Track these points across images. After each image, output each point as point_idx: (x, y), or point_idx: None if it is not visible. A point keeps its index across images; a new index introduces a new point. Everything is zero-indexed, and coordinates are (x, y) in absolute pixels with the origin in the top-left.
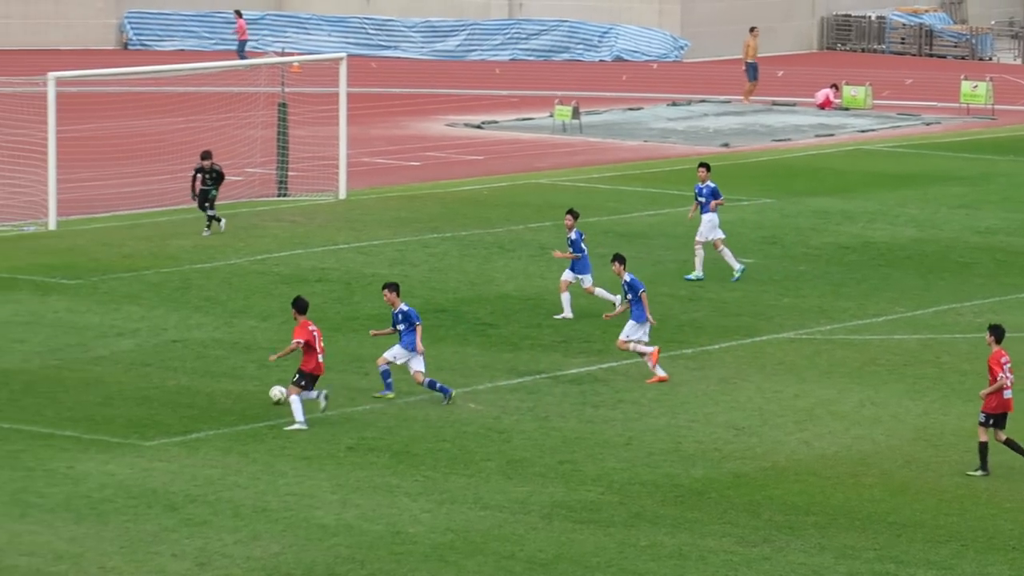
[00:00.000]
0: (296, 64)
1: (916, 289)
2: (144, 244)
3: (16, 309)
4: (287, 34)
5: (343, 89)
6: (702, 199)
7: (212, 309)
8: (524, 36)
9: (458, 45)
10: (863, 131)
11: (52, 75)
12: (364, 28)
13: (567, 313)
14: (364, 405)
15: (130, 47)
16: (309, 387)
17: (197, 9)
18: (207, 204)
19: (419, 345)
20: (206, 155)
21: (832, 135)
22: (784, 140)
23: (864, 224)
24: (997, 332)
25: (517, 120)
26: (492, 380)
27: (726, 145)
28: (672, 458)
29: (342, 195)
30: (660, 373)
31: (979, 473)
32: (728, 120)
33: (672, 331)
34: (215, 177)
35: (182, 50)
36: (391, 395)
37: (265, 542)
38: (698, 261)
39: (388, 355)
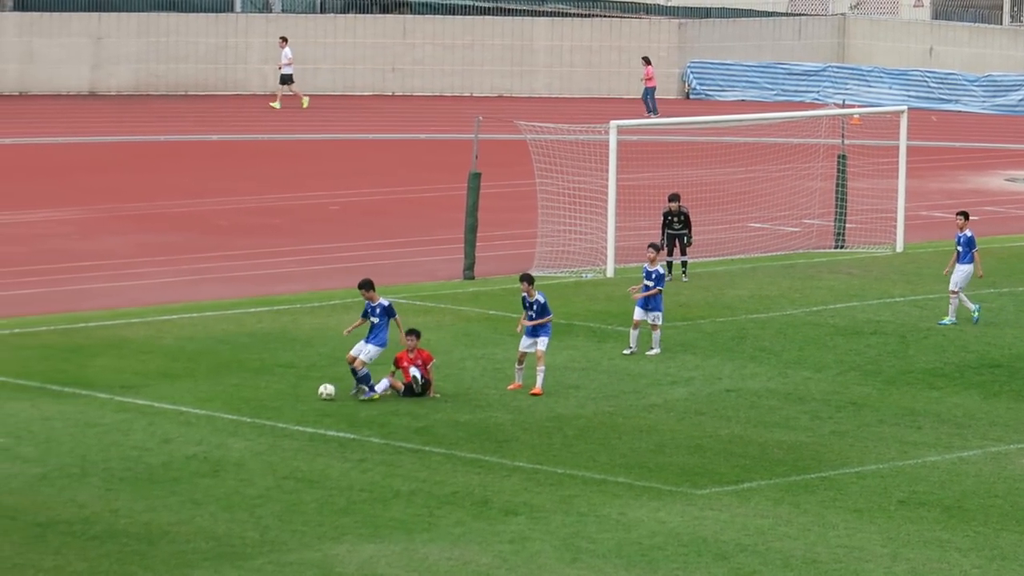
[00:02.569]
0: (856, 116)
1: None
2: (701, 293)
3: (573, 355)
4: (848, 86)
5: (903, 142)
6: (960, 248)
7: (766, 359)
8: None
9: (1020, 100)
10: None
11: (614, 123)
12: (925, 81)
13: None
14: (915, 459)
15: (692, 96)
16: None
17: (759, 60)
18: (682, 250)
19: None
20: (674, 197)
21: None
22: None
23: None
24: None
25: None
26: None
27: None
28: None
29: (899, 248)
30: None
31: None
32: None
33: None
34: (683, 220)
35: (743, 100)
36: (376, 396)
37: None
38: (951, 308)
39: (364, 356)
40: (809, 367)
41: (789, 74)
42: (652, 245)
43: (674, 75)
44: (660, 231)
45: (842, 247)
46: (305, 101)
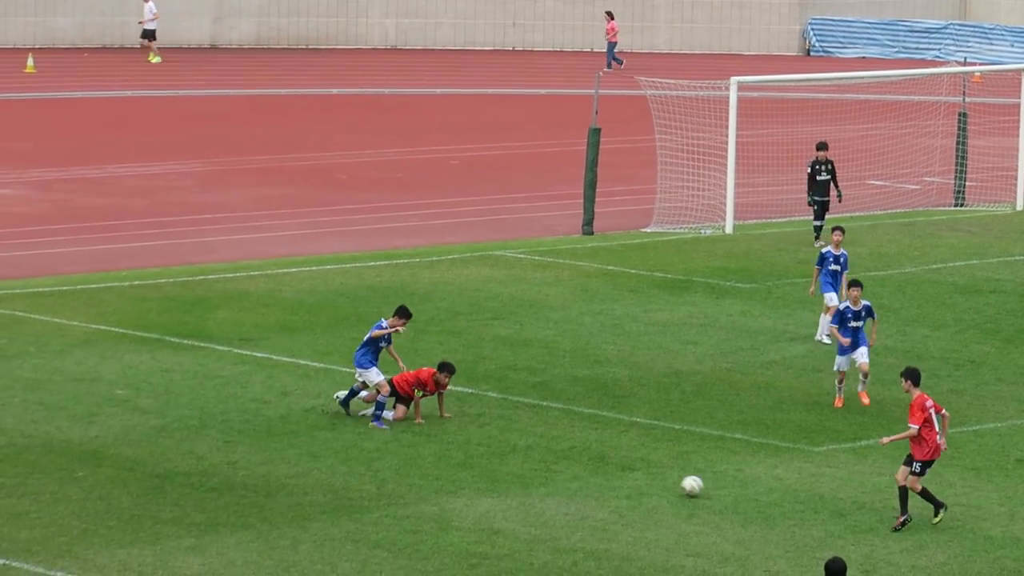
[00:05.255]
0: (978, 74)
1: None
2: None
3: (691, 311)
4: (970, 44)
5: None
6: None
7: (886, 317)
8: None
9: None
10: None
11: (735, 79)
12: None
13: None
14: None
15: (812, 53)
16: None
17: (880, 17)
18: (824, 207)
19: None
20: (822, 146)
21: None
22: None
23: None
24: (913, 376)
25: None
26: None
27: None
28: None
29: (1019, 206)
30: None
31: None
32: None
33: None
34: (830, 170)
35: (864, 57)
36: (386, 427)
37: (931, 551)
38: None
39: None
40: (927, 325)
41: (911, 31)
42: (838, 228)
43: (795, 32)
44: (807, 181)
45: (962, 205)
46: (156, 58)
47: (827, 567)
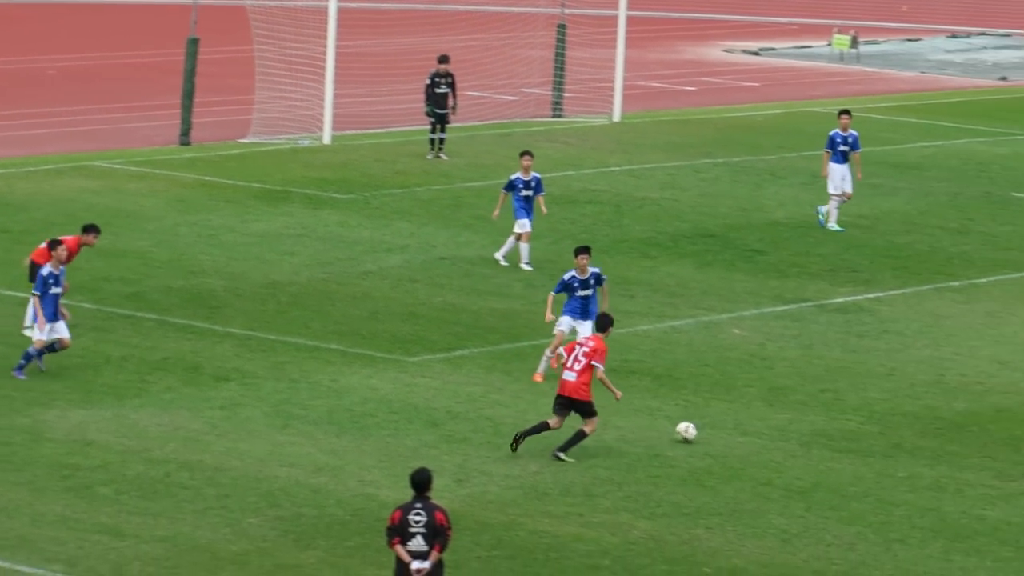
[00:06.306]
0: None
1: None
2: (417, 161)
3: (288, 222)
4: None
5: (622, 12)
6: (846, 148)
7: (481, 227)
8: None
9: None
10: None
11: None
12: None
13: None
14: (628, 328)
15: None
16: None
17: None
18: (442, 120)
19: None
20: (443, 59)
21: None
22: None
23: None
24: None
25: (795, 48)
26: (758, 307)
27: (1004, 79)
28: (934, 390)
29: (616, 118)
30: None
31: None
32: (1007, 54)
33: (940, 264)
34: (450, 83)
35: None
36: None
37: (524, 461)
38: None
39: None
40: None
41: None
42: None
43: None
44: (425, 93)
45: (560, 116)
46: None
47: (411, 478)
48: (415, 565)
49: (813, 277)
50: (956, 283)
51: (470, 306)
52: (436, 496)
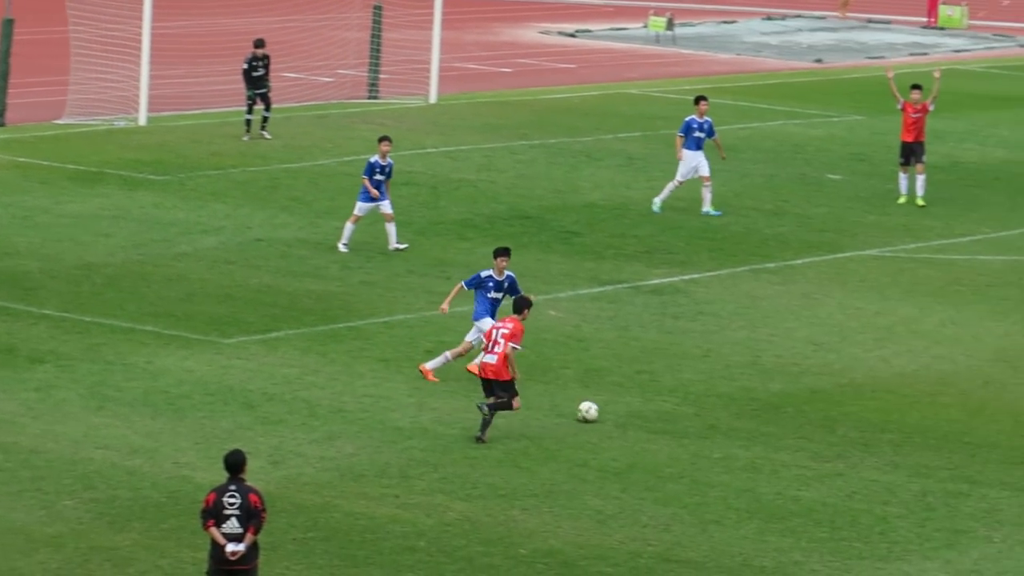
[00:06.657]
0: None
1: (1003, 210)
2: (233, 143)
3: (103, 203)
4: None
5: None
6: (702, 134)
7: (298, 209)
8: None
9: None
10: (957, 51)
11: None
12: None
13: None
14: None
15: None
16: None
17: None
18: (265, 99)
19: None
20: (259, 43)
21: (926, 54)
22: (878, 58)
23: (954, 144)
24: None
25: (611, 29)
26: (574, 288)
27: (819, 61)
28: (750, 371)
29: (432, 99)
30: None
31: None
32: (822, 36)
33: (756, 245)
34: (266, 65)
35: None
36: None
37: (340, 443)
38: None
39: None
40: (340, 217)
41: None
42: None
43: None
44: (243, 76)
45: (376, 98)
46: None
47: (226, 460)
48: (230, 547)
49: (629, 259)
50: (772, 264)
51: (286, 288)
52: (251, 478)
